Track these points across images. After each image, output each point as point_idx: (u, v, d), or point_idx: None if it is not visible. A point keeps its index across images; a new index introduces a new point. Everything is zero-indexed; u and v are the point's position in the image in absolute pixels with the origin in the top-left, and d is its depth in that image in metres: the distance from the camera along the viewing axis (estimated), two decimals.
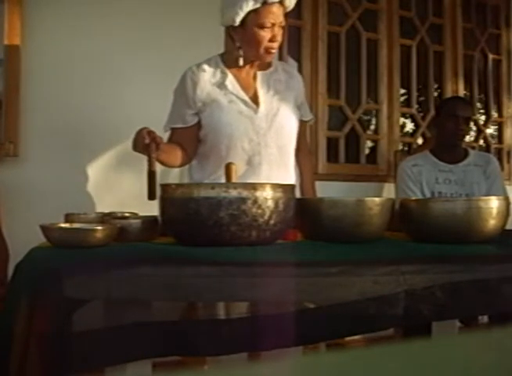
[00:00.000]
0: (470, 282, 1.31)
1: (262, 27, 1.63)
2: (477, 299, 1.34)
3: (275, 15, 1.63)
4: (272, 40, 1.65)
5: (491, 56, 3.43)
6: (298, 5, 2.87)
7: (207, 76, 1.72)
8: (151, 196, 1.39)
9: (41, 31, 2.28)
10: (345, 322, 1.20)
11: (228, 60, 1.76)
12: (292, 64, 2.82)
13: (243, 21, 1.63)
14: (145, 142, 1.42)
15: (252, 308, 1.18)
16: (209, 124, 1.72)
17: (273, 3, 1.61)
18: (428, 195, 2.44)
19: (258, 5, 1.60)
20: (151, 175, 1.38)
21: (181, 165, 1.79)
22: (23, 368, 1.02)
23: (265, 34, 1.63)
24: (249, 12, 1.61)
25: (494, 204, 1.37)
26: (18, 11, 2.19)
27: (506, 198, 1.43)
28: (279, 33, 1.66)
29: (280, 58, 2.75)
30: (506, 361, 0.42)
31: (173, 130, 1.77)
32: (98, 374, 1.18)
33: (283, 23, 1.67)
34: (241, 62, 1.71)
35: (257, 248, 1.21)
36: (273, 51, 1.68)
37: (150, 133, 1.44)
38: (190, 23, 2.52)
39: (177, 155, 1.73)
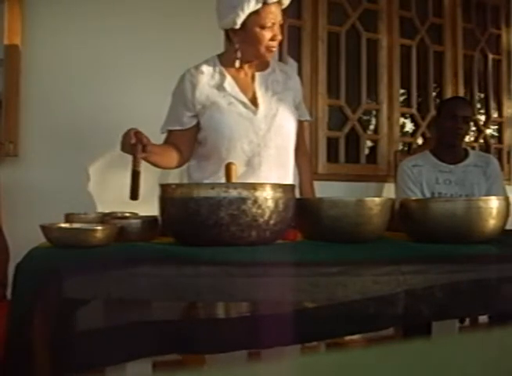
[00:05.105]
0: (470, 282, 1.31)
1: (263, 27, 1.64)
2: (477, 299, 1.34)
3: (275, 14, 1.65)
4: (273, 39, 1.67)
5: (491, 56, 3.43)
6: (298, 5, 2.90)
7: (206, 78, 1.73)
8: (133, 196, 1.38)
9: (41, 31, 2.28)
10: (345, 321, 1.20)
11: (226, 61, 1.76)
12: (292, 65, 2.82)
13: (243, 23, 1.64)
14: (131, 142, 1.44)
15: (252, 307, 1.17)
16: (209, 126, 1.72)
17: (272, 3, 1.63)
18: (428, 195, 2.43)
19: (259, 6, 1.61)
20: (135, 175, 1.39)
21: (176, 167, 1.78)
22: (24, 368, 1.02)
23: (266, 34, 1.65)
24: (250, 14, 1.62)
25: (494, 204, 1.37)
26: (18, 10, 2.19)
27: (506, 198, 1.43)
28: (278, 31, 1.68)
29: (280, 58, 2.75)
30: (506, 361, 0.42)
31: (170, 132, 1.76)
32: (98, 374, 1.19)
33: (282, 21, 1.70)
34: (237, 64, 1.72)
35: (257, 248, 1.21)
36: (274, 49, 1.71)
37: (137, 134, 1.46)
38: (191, 24, 2.52)
39: (171, 157, 1.72)
